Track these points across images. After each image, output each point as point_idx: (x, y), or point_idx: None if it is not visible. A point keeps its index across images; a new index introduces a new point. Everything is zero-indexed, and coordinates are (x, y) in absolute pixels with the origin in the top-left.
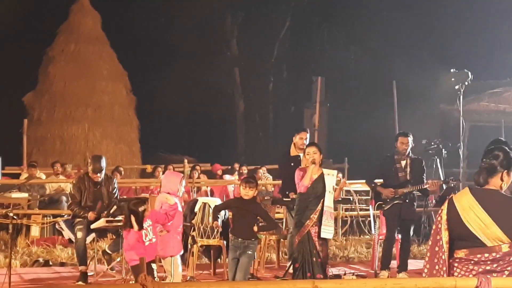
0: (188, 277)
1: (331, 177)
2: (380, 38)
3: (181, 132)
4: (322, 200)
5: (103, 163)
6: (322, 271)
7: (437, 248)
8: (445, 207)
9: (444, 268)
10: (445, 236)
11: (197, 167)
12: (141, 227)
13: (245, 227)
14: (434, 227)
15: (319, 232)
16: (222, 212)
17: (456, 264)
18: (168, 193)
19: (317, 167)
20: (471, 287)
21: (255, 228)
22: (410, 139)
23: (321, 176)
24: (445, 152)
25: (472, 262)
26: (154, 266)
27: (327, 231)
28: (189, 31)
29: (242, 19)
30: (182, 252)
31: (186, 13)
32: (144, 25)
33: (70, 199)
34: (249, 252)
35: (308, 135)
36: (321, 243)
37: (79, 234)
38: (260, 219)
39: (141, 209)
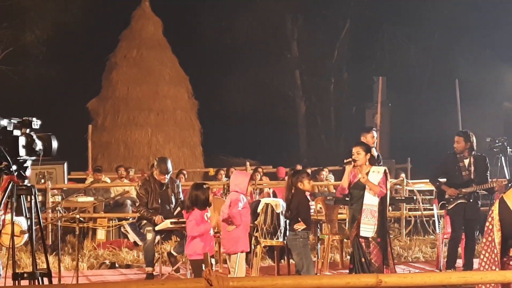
0: None
1: (376, 174)
2: (441, 36)
3: (242, 135)
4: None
5: (170, 165)
6: (372, 272)
7: (489, 251)
8: (496, 207)
9: (497, 270)
10: (497, 237)
11: (259, 169)
12: (203, 207)
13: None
14: (485, 228)
15: (359, 231)
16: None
17: (511, 263)
18: (237, 191)
19: (363, 167)
20: None
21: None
22: (463, 138)
23: (367, 175)
24: (510, 150)
25: None
26: (213, 261)
27: (366, 229)
28: (249, 35)
29: (302, 21)
30: (248, 250)
31: (246, 17)
32: (204, 29)
33: (138, 200)
34: None
35: (375, 134)
36: (369, 244)
37: (149, 235)
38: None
39: (205, 186)
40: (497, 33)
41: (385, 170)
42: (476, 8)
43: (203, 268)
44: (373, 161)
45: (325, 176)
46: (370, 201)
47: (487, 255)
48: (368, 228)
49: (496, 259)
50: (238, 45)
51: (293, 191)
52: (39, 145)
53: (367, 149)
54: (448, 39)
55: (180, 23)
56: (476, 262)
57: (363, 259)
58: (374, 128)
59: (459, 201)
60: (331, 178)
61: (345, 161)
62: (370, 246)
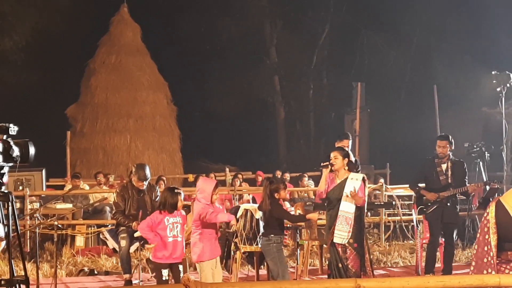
0: None
1: (354, 181)
2: (420, 42)
3: (222, 141)
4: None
5: (148, 171)
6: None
7: (484, 253)
8: (492, 209)
9: (493, 273)
10: (493, 240)
11: (239, 176)
12: (170, 210)
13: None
14: (479, 231)
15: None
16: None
17: (505, 266)
18: (200, 201)
19: (341, 172)
20: None
21: None
22: (448, 142)
23: (344, 181)
24: (488, 155)
25: None
26: (180, 267)
27: (340, 236)
28: (228, 40)
29: (280, 27)
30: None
31: (225, 23)
32: (183, 35)
33: (114, 207)
34: None
35: (350, 142)
36: (345, 249)
37: (123, 243)
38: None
39: (176, 191)
40: (475, 39)
41: (363, 178)
42: (455, 14)
43: (162, 273)
44: (352, 167)
45: (307, 182)
46: (346, 208)
47: (482, 258)
48: (341, 234)
49: (492, 262)
50: (217, 51)
51: (268, 200)
52: (16, 151)
53: (345, 154)
54: (426, 45)
55: (158, 29)
56: (454, 266)
57: (340, 265)
58: (345, 136)
59: (437, 205)
60: (310, 183)
61: (322, 164)
62: (347, 251)
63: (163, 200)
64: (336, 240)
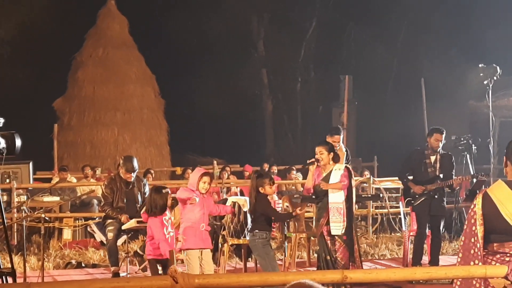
0: None
1: (338, 171)
2: (407, 36)
3: (210, 134)
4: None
5: (136, 163)
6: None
7: (471, 244)
8: (478, 201)
9: (480, 264)
10: (480, 231)
11: (227, 168)
12: (161, 212)
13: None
14: (466, 222)
15: (328, 230)
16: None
17: (491, 257)
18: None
19: (327, 166)
20: (501, 275)
21: None
22: (444, 136)
23: (330, 173)
24: (475, 147)
25: (508, 254)
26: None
27: (336, 227)
28: (216, 34)
29: (268, 21)
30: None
31: (212, 16)
32: (171, 28)
33: (102, 199)
34: None
35: (341, 137)
36: (334, 242)
37: (110, 235)
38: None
39: (164, 191)
40: (462, 33)
41: (346, 166)
42: (441, 8)
43: (158, 267)
44: (337, 160)
45: (295, 175)
46: (335, 199)
47: (469, 250)
48: (337, 226)
49: (479, 253)
50: (204, 44)
51: (254, 193)
52: (2, 143)
53: (330, 148)
54: (413, 39)
55: (146, 22)
56: (441, 258)
57: (328, 257)
58: (336, 131)
59: (424, 198)
60: (299, 176)
61: (308, 162)
62: (336, 244)
63: (152, 202)
64: (333, 232)
